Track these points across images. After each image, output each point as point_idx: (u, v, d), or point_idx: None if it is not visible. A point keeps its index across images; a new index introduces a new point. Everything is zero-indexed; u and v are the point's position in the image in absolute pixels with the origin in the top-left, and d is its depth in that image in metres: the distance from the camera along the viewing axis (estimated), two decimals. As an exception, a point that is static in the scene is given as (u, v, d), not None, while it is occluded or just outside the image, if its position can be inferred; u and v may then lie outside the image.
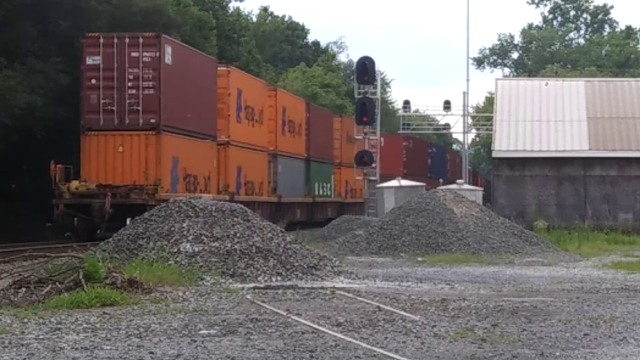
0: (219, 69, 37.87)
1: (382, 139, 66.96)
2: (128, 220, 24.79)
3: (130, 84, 31.96)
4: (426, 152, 77.12)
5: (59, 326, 13.02)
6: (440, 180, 65.56)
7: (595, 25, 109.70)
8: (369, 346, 11.51)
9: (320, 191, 52.38)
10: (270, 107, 44.19)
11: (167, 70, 32.36)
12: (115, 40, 32.16)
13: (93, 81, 32.06)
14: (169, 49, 32.71)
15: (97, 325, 13.09)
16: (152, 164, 31.87)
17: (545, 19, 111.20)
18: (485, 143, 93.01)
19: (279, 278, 18.89)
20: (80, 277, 15.78)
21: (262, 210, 39.66)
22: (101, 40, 32.25)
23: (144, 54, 32.06)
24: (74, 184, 31.71)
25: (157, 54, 32.10)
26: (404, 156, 69.75)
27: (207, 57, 39.14)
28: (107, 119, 31.98)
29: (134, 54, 32.02)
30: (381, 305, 15.28)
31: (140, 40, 32.21)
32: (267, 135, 43.39)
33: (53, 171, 32.06)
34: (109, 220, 30.36)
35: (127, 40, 32.19)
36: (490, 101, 77.69)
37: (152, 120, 31.97)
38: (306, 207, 50.04)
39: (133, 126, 31.96)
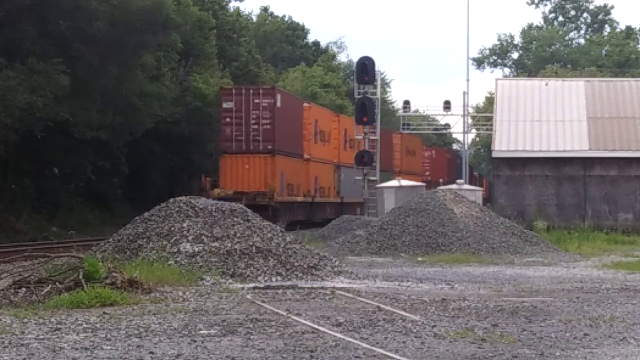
0: (304, 105, 51.31)
1: (434, 152, 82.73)
2: None
3: (253, 121, 44.37)
4: (455, 162, 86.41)
5: (59, 326, 13.01)
6: (440, 180, 65.68)
7: (596, 25, 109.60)
8: (369, 346, 11.50)
9: None
10: (334, 130, 56.16)
11: (278, 112, 44.81)
12: (243, 91, 45.09)
13: (227, 119, 44.57)
14: (279, 97, 45.50)
15: (97, 325, 13.09)
16: (269, 177, 44.07)
17: (545, 19, 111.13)
18: (485, 143, 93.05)
19: (279, 278, 18.88)
20: (80, 277, 15.77)
21: (331, 208, 55.08)
22: (233, 91, 45.50)
23: (263, 100, 44.57)
24: (216, 191, 42.29)
25: (272, 101, 44.68)
26: (445, 166, 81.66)
27: (298, 98, 53.63)
28: (237, 145, 44.38)
29: (256, 101, 44.55)
30: (381, 305, 15.27)
31: (261, 91, 45.34)
32: (332, 151, 55.67)
33: (204, 182, 44.17)
34: None
35: (251, 91, 45.22)
36: (490, 101, 77.67)
37: (269, 147, 44.32)
38: (362, 205, 58.65)
39: (255, 150, 44.38)
